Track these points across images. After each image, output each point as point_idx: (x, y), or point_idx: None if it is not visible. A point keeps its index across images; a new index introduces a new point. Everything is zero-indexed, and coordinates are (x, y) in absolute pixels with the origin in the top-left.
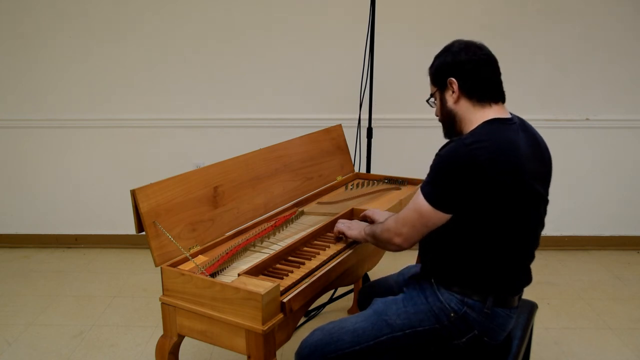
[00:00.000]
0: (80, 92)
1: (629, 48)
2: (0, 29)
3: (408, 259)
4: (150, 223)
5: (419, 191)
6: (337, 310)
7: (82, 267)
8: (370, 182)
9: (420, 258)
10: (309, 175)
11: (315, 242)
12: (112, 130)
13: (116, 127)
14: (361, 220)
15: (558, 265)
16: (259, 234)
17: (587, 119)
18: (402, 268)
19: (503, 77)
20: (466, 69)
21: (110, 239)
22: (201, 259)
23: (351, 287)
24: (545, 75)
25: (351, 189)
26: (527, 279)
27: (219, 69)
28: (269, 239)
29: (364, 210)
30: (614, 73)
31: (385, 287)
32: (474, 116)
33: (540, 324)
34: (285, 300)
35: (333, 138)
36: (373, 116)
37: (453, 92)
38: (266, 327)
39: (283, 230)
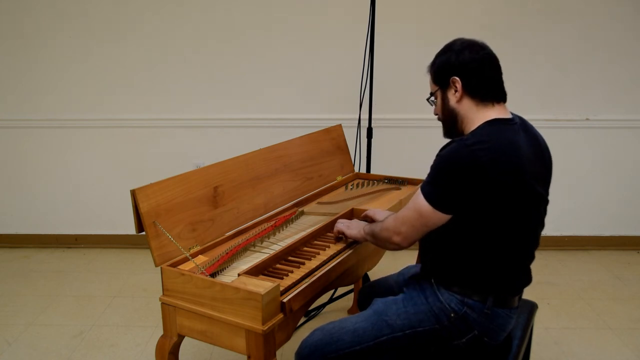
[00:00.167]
0: (80, 92)
1: (629, 48)
2: (0, 29)
3: (408, 259)
4: (150, 223)
5: (419, 191)
6: (337, 310)
7: (82, 267)
8: (370, 182)
9: (420, 258)
10: (309, 175)
11: (315, 242)
12: (112, 130)
13: (116, 127)
14: (362, 220)
15: (558, 265)
16: (259, 234)
17: (587, 119)
18: (402, 268)
19: (503, 77)
20: (470, 68)
21: (110, 239)
22: (201, 259)
23: (351, 287)
24: (545, 75)
25: (351, 189)
26: (527, 279)
27: (219, 69)
28: (269, 239)
29: (364, 210)
30: (614, 73)
31: (385, 287)
32: (476, 116)
33: (540, 324)
34: (285, 300)
35: (333, 138)
36: (373, 116)
37: (456, 91)
38: (266, 327)
39: (283, 230)
